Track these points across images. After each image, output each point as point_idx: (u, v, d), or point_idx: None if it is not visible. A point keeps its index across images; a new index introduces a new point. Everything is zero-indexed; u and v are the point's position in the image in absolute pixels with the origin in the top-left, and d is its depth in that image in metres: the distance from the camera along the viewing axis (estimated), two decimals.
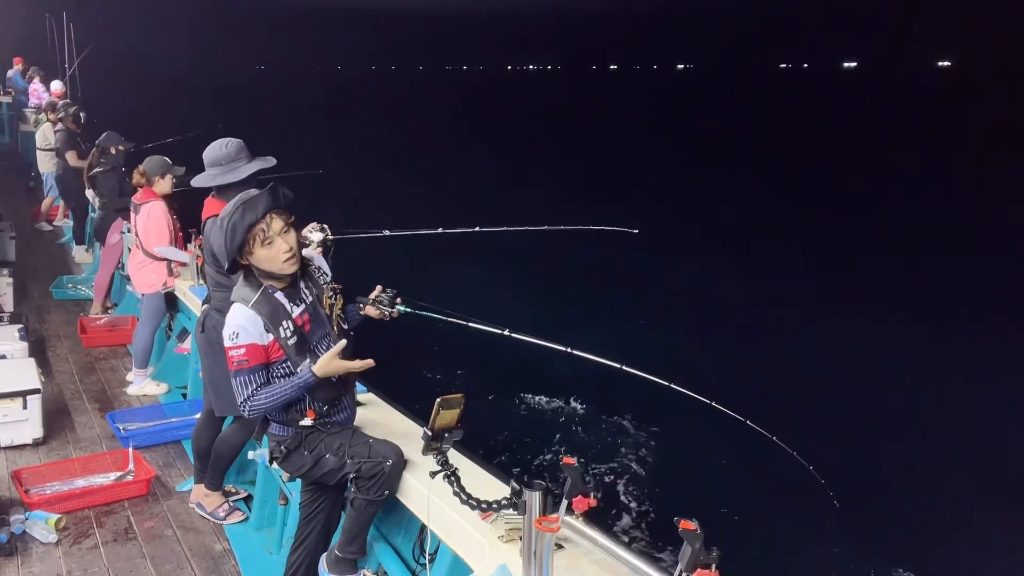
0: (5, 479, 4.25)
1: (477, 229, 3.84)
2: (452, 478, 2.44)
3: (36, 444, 4.85)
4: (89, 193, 7.86)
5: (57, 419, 5.23)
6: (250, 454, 3.92)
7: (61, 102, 9.59)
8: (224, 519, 4.07)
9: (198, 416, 4.28)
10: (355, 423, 3.00)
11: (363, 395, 3.35)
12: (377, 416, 3.26)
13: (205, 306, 3.95)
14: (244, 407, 2.68)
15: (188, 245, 5.48)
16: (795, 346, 10.69)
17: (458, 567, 2.53)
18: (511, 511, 2.27)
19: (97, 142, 7.47)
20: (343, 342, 2.70)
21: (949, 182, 20.55)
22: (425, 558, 2.74)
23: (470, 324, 2.77)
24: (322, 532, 2.98)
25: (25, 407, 4.77)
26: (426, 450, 2.50)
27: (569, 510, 2.07)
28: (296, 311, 2.73)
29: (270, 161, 3.75)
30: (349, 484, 2.76)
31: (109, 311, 7.36)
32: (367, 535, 2.85)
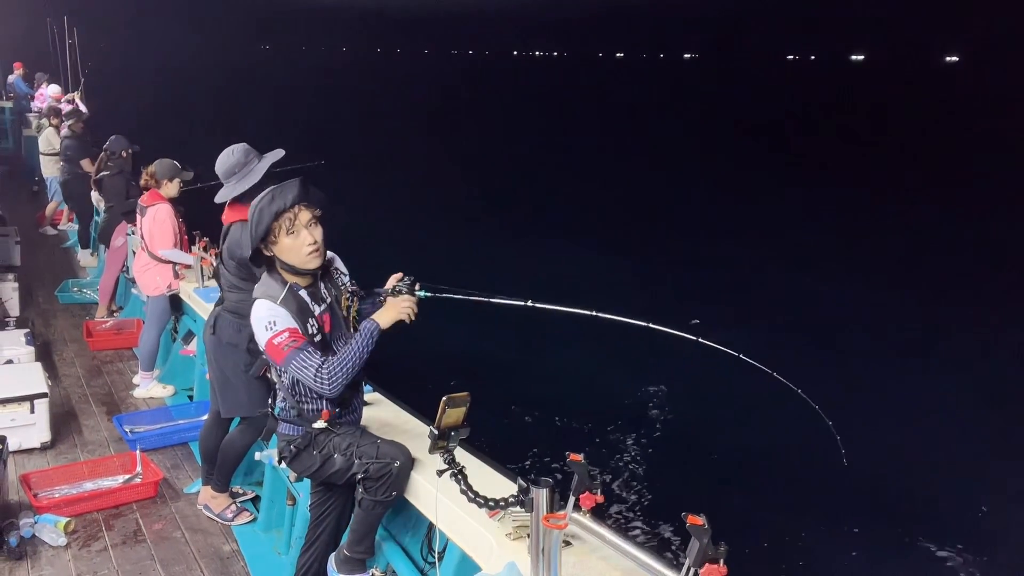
0: (14, 483, 4.26)
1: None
2: (459, 476, 2.44)
3: (44, 448, 4.86)
4: (95, 196, 7.87)
5: (64, 423, 5.25)
6: (257, 455, 3.94)
7: (66, 107, 9.59)
8: (232, 520, 4.08)
9: (205, 418, 4.29)
10: (361, 423, 3.01)
11: (369, 395, 3.35)
12: (383, 415, 3.26)
13: (217, 307, 3.97)
14: (321, 381, 2.61)
15: (192, 247, 5.49)
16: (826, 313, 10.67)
17: (466, 565, 2.53)
18: (518, 508, 2.27)
19: (105, 146, 7.49)
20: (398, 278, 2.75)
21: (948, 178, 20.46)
22: (433, 556, 2.74)
23: (492, 300, 2.70)
24: (332, 533, 2.99)
25: (33, 411, 4.79)
26: (432, 449, 2.50)
27: (576, 507, 2.07)
28: (318, 310, 2.75)
29: (278, 154, 3.80)
30: (357, 485, 2.76)
31: (115, 314, 7.38)
32: (375, 535, 2.86)
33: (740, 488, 6.90)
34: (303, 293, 2.72)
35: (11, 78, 16.72)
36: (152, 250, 5.54)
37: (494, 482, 2.62)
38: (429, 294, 2.78)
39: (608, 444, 7.49)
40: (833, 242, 14.87)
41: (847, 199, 18.11)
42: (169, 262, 5.55)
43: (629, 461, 7.10)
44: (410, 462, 2.74)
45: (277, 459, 2.96)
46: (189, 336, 5.82)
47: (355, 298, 2.88)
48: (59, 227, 10.91)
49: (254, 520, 4.10)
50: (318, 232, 2.68)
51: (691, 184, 19.42)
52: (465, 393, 2.52)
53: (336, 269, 2.89)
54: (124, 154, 7.35)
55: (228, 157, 3.74)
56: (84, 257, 9.36)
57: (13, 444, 4.71)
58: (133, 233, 6.60)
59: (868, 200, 17.71)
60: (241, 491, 4.30)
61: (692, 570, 1.73)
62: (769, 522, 6.36)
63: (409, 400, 3.37)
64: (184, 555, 3.82)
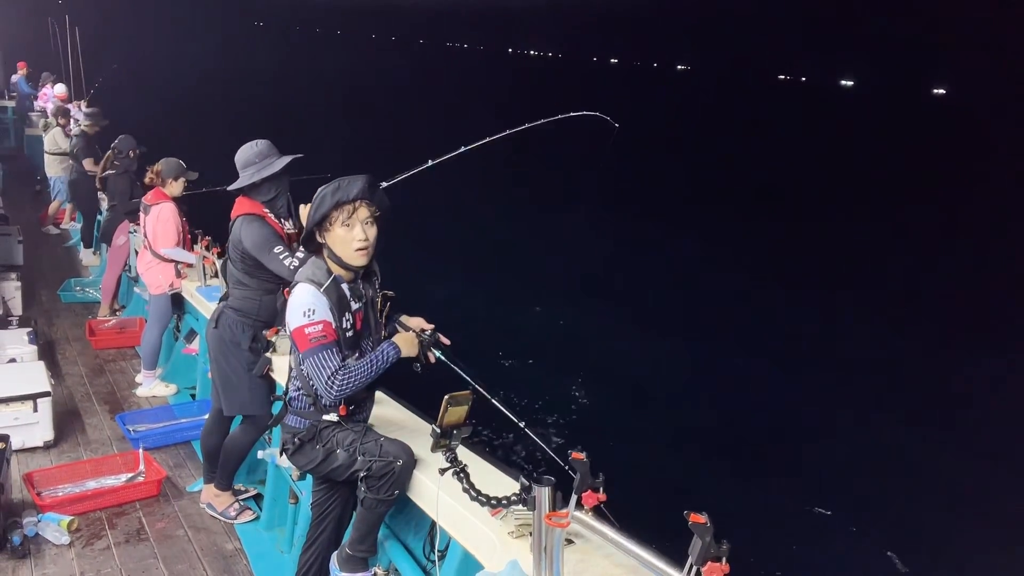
0: (17, 482, 4.27)
1: (463, 149, 3.96)
2: (461, 475, 2.44)
3: (47, 447, 4.87)
4: (100, 195, 7.89)
5: (67, 421, 5.26)
6: (259, 453, 3.95)
7: (86, 110, 9.58)
8: (235, 518, 4.08)
9: (207, 416, 4.30)
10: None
11: None
12: (386, 413, 3.26)
13: (221, 303, 3.98)
14: (331, 386, 2.63)
15: (195, 246, 5.50)
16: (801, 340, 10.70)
17: (468, 563, 2.53)
18: (521, 507, 2.27)
19: (113, 145, 7.50)
20: (425, 325, 2.86)
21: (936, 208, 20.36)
22: (435, 555, 2.74)
23: (492, 400, 2.78)
24: (334, 531, 2.99)
25: (36, 410, 4.80)
26: (435, 447, 2.50)
27: (579, 505, 2.07)
28: (354, 307, 2.78)
29: (298, 155, 3.84)
30: (360, 483, 2.76)
31: (117, 313, 7.38)
32: (378, 533, 2.86)
33: (743, 486, 6.90)
34: (345, 287, 2.76)
35: (15, 78, 16.72)
36: (155, 249, 5.55)
37: (496, 480, 2.62)
38: (443, 358, 2.86)
39: (610, 442, 7.49)
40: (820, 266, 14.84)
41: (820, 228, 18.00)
42: (172, 261, 5.56)
43: (632, 459, 7.10)
44: (412, 461, 2.74)
45: (279, 451, 2.97)
46: (191, 335, 5.82)
47: (387, 302, 2.92)
48: (61, 226, 10.91)
49: (257, 518, 4.10)
50: (372, 232, 2.71)
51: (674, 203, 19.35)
52: (467, 392, 2.52)
53: (375, 273, 2.92)
54: (131, 154, 7.36)
55: (249, 149, 3.79)
56: (86, 256, 9.37)
57: (16, 443, 4.73)
58: (135, 232, 6.61)
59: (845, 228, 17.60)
60: (244, 489, 4.31)
61: (694, 568, 1.73)
62: (772, 520, 6.36)
63: (411, 398, 3.38)
64: (187, 553, 3.83)
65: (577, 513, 2.08)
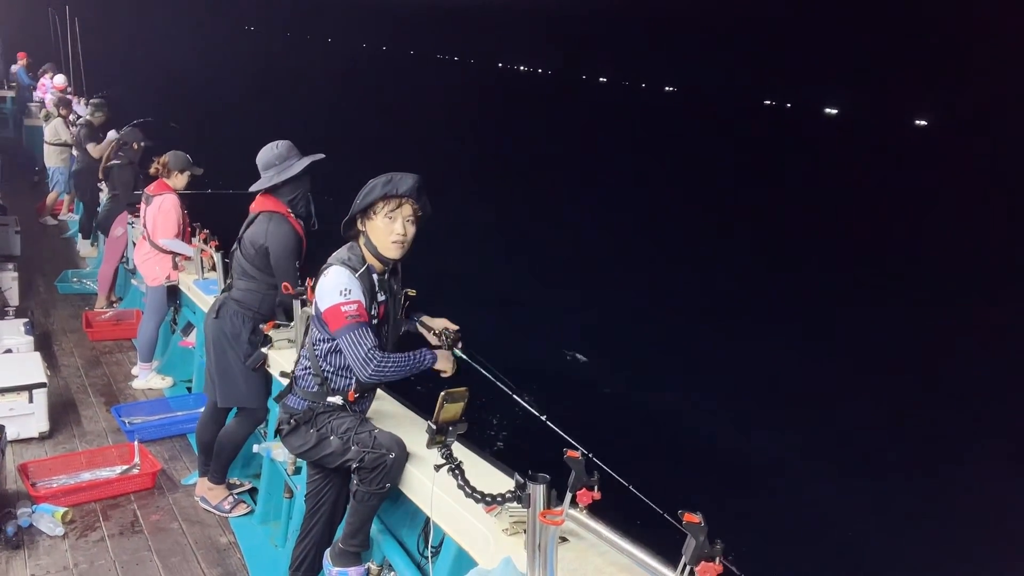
0: (12, 472, 4.27)
1: None
2: (456, 471, 2.44)
3: (42, 438, 4.87)
4: (100, 184, 7.88)
5: (63, 413, 5.25)
6: (254, 447, 3.95)
7: (91, 101, 9.56)
8: (229, 512, 4.08)
9: (203, 410, 4.30)
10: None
11: None
12: (382, 407, 3.26)
13: (223, 294, 3.98)
14: (368, 362, 2.64)
15: (193, 239, 5.49)
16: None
17: (462, 560, 2.53)
18: (515, 504, 2.28)
19: (120, 134, 7.49)
20: (450, 325, 2.93)
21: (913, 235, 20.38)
22: (429, 551, 2.75)
23: (513, 396, 2.78)
24: (328, 523, 3.00)
25: (31, 401, 4.79)
26: (430, 443, 2.51)
27: (573, 503, 2.07)
28: (380, 298, 2.83)
29: (319, 156, 3.87)
30: (352, 475, 2.77)
31: (114, 305, 7.38)
32: (370, 528, 2.86)
33: (737, 486, 6.91)
34: (375, 277, 2.81)
35: (14, 68, 16.68)
36: (154, 239, 5.54)
37: (491, 477, 2.63)
38: (464, 357, 2.87)
39: (606, 441, 7.49)
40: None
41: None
42: (170, 252, 5.56)
43: (627, 458, 7.11)
44: (405, 454, 2.75)
45: (275, 431, 2.99)
46: (188, 328, 5.82)
47: (407, 300, 2.98)
48: (59, 217, 10.90)
49: (251, 512, 4.10)
50: (411, 230, 2.78)
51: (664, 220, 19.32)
52: (463, 388, 2.53)
53: (398, 271, 2.96)
54: (136, 146, 7.35)
55: (271, 150, 3.82)
56: (84, 247, 9.36)
57: (11, 433, 4.72)
58: (134, 224, 6.60)
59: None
60: (239, 483, 4.31)
61: (688, 567, 1.73)
62: (765, 520, 6.38)
63: (407, 394, 3.38)
64: (181, 546, 3.83)
65: (572, 511, 2.08)
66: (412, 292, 3.02)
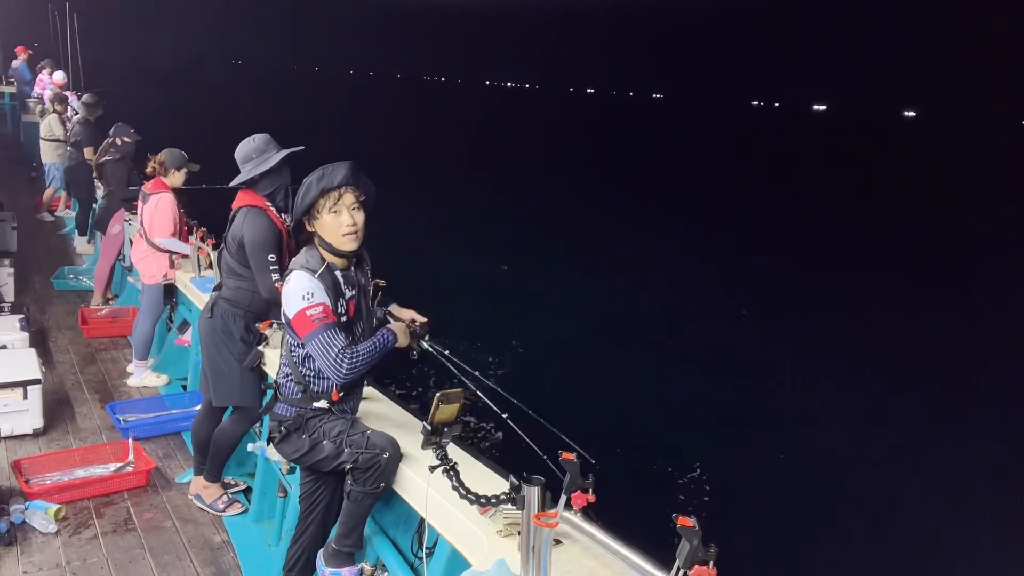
0: (5, 469, 4.26)
1: None
2: (451, 472, 2.44)
3: (36, 434, 4.85)
4: (96, 182, 7.86)
5: (57, 409, 5.24)
6: (249, 446, 3.94)
7: (84, 97, 9.54)
8: (223, 511, 4.08)
9: (198, 408, 4.29)
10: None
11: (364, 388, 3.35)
12: (376, 409, 3.26)
13: (215, 293, 3.97)
14: (340, 363, 2.64)
15: (190, 237, 5.49)
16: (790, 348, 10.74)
17: (456, 561, 2.53)
18: (510, 506, 2.27)
19: (110, 132, 7.48)
20: (418, 317, 2.90)
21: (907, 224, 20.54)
22: (423, 551, 2.74)
23: (484, 381, 2.78)
24: (322, 524, 2.99)
25: (25, 397, 4.78)
26: (425, 444, 2.50)
27: (568, 506, 2.07)
28: (348, 294, 2.81)
29: (298, 149, 3.86)
30: (346, 476, 2.77)
31: (110, 302, 7.36)
32: (363, 529, 2.86)
33: (731, 490, 6.91)
34: (338, 274, 2.79)
35: (15, 63, 16.65)
36: (151, 238, 5.53)
37: (486, 479, 2.63)
38: (431, 350, 2.87)
39: (601, 444, 7.49)
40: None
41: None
42: (167, 251, 5.55)
43: (621, 461, 7.11)
44: (398, 454, 2.75)
45: (267, 439, 2.98)
46: (184, 326, 5.81)
47: (380, 291, 2.97)
48: (56, 213, 10.88)
49: (245, 511, 4.10)
50: (360, 216, 2.74)
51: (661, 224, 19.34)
52: (459, 390, 2.52)
53: (365, 260, 2.95)
54: (119, 141, 7.33)
55: (248, 144, 3.80)
56: (80, 244, 9.34)
57: (5, 430, 4.72)
58: (131, 221, 6.59)
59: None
60: (233, 482, 4.30)
61: (682, 571, 1.73)
62: (759, 524, 6.38)
63: (403, 395, 3.38)
64: (174, 545, 3.82)
65: (566, 514, 2.08)
66: (382, 283, 3.00)
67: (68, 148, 9.44)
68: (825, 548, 6.25)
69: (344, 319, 2.76)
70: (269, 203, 3.80)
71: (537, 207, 19.68)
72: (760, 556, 5.88)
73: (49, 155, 10.49)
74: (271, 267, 3.68)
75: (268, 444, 2.99)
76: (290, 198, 3.86)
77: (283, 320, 2.83)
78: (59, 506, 3.96)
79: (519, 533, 2.19)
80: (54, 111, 10.53)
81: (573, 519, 2.07)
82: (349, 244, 2.74)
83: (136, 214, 5.91)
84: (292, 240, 3.81)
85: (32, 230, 9.92)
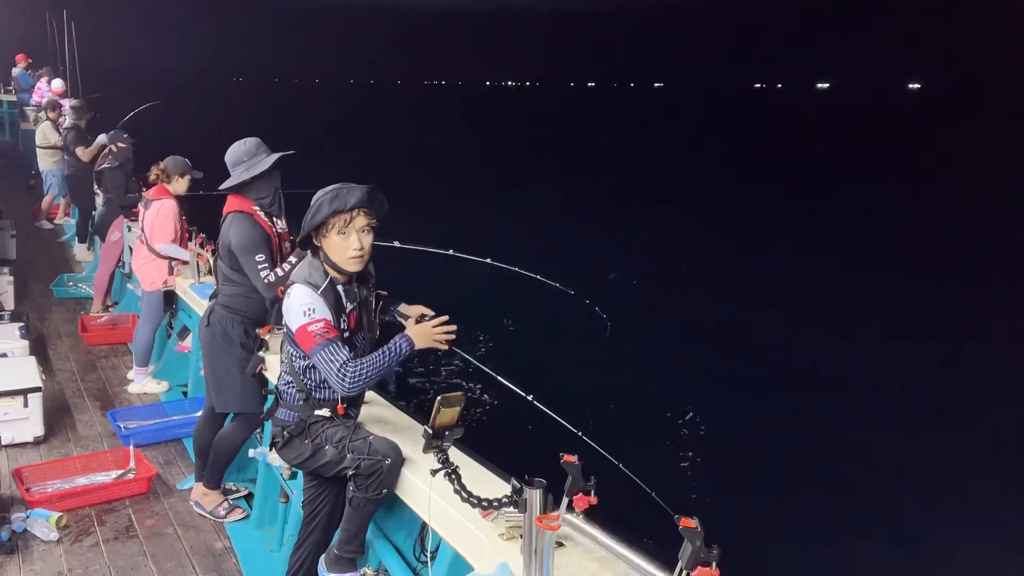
0: (6, 477, 4.25)
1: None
2: (453, 476, 2.44)
3: (37, 442, 4.85)
4: (96, 189, 7.87)
5: (58, 417, 5.23)
6: (250, 452, 3.94)
7: (70, 103, 9.57)
8: (224, 517, 4.07)
9: (199, 414, 4.29)
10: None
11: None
12: (377, 413, 3.26)
13: (212, 300, 3.98)
14: (343, 377, 2.62)
15: (189, 244, 5.49)
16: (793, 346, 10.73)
17: (459, 565, 2.53)
18: (512, 509, 2.27)
19: (106, 139, 7.49)
20: (445, 316, 2.78)
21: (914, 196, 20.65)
22: (426, 556, 2.74)
23: (498, 378, 2.76)
24: (325, 530, 2.99)
25: (26, 405, 4.78)
26: (427, 448, 2.50)
27: (570, 508, 2.07)
28: (349, 308, 2.80)
29: (288, 152, 3.83)
30: (349, 482, 2.76)
31: (110, 309, 7.36)
32: (366, 534, 2.86)
33: (734, 491, 6.90)
34: (340, 288, 2.78)
35: (15, 71, 16.67)
36: (151, 244, 5.54)
37: (488, 482, 2.62)
38: (455, 349, 2.81)
39: (603, 446, 7.48)
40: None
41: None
42: (167, 257, 5.55)
43: (623, 463, 7.10)
44: (400, 459, 2.74)
45: (270, 448, 2.97)
46: (184, 332, 5.81)
47: (379, 302, 2.95)
48: (55, 221, 10.89)
49: (247, 517, 4.09)
50: (368, 240, 2.73)
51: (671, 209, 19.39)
52: (460, 393, 2.52)
53: (369, 273, 2.93)
54: (115, 147, 7.33)
55: (239, 147, 3.77)
56: (80, 251, 9.35)
57: (6, 438, 4.72)
58: (131, 229, 6.59)
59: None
60: (234, 488, 4.29)
61: (684, 572, 1.73)
62: (762, 525, 6.37)
63: (404, 399, 3.38)
64: (176, 551, 3.81)
65: (568, 516, 2.07)
66: (383, 293, 2.98)
67: (64, 156, 9.45)
68: (829, 548, 6.24)
69: (346, 334, 2.76)
70: (259, 207, 3.79)
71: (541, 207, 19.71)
72: (763, 557, 5.88)
73: (46, 162, 10.50)
74: (261, 267, 3.66)
75: (270, 449, 2.99)
76: (281, 201, 3.85)
77: (285, 330, 2.82)
78: (60, 514, 3.96)
79: (521, 536, 2.19)
80: (48, 118, 10.54)
81: (575, 521, 2.06)
82: (354, 266, 2.73)
83: (136, 221, 5.90)
84: (286, 244, 3.84)
85: (31, 238, 9.93)
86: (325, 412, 2.84)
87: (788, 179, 23.94)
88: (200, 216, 5.87)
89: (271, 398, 3.03)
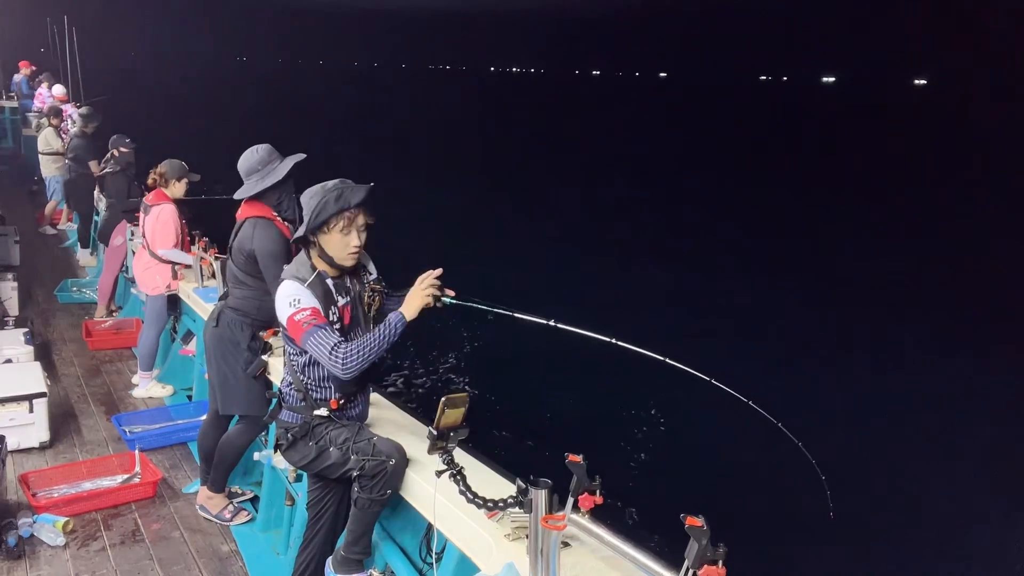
0: (12, 483, 4.26)
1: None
2: (458, 477, 2.44)
3: (43, 447, 4.86)
4: (98, 195, 7.89)
5: (63, 422, 5.24)
6: (255, 455, 3.94)
7: (73, 109, 9.59)
8: (230, 521, 4.07)
9: (204, 418, 4.29)
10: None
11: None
12: (382, 414, 3.26)
13: (220, 303, 3.98)
14: (335, 359, 2.63)
15: (192, 247, 5.49)
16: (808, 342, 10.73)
17: (465, 566, 2.53)
18: (517, 509, 2.27)
19: (109, 145, 7.51)
20: (440, 270, 2.74)
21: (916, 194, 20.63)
22: (432, 557, 2.74)
23: (515, 315, 2.70)
24: (330, 531, 3.00)
25: (31, 411, 4.78)
26: (431, 449, 2.50)
27: (575, 508, 2.06)
28: (341, 302, 2.82)
29: (300, 156, 3.85)
30: (353, 483, 2.77)
31: (114, 314, 7.37)
32: (372, 535, 2.86)
33: (740, 490, 6.89)
34: (329, 282, 2.81)
35: (17, 78, 16.72)
36: (153, 249, 5.54)
37: (493, 483, 2.62)
38: (455, 302, 2.74)
39: (608, 445, 7.48)
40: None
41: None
42: (169, 262, 5.56)
43: (629, 462, 7.10)
44: (405, 460, 2.75)
45: (274, 447, 2.98)
46: (188, 336, 5.81)
47: (377, 296, 2.94)
48: (58, 226, 10.91)
49: (252, 520, 4.09)
50: (364, 237, 2.79)
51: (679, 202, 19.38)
52: (464, 394, 2.52)
53: (363, 267, 2.95)
54: (116, 153, 7.34)
55: (251, 155, 3.80)
56: (83, 256, 9.36)
57: (12, 443, 4.71)
58: (134, 234, 6.60)
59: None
60: (240, 491, 4.30)
61: (691, 571, 1.72)
62: (768, 524, 6.36)
63: (409, 400, 3.38)
64: (182, 555, 3.82)
65: (574, 516, 2.07)
66: (380, 287, 2.95)
67: (67, 161, 9.47)
68: (835, 547, 6.23)
69: (337, 327, 2.77)
70: (276, 213, 3.81)
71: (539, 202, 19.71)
72: (770, 555, 5.87)
73: (48, 168, 10.53)
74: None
75: (275, 452, 2.99)
76: (295, 206, 3.86)
77: (281, 330, 2.85)
78: (67, 519, 3.96)
79: (527, 536, 2.18)
80: (50, 124, 10.56)
81: (581, 521, 2.06)
82: (350, 261, 2.79)
83: (138, 226, 5.92)
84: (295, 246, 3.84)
85: (35, 243, 9.95)
86: (324, 411, 2.84)
87: (788, 177, 23.93)
88: (204, 218, 5.88)
89: (274, 402, 3.03)
